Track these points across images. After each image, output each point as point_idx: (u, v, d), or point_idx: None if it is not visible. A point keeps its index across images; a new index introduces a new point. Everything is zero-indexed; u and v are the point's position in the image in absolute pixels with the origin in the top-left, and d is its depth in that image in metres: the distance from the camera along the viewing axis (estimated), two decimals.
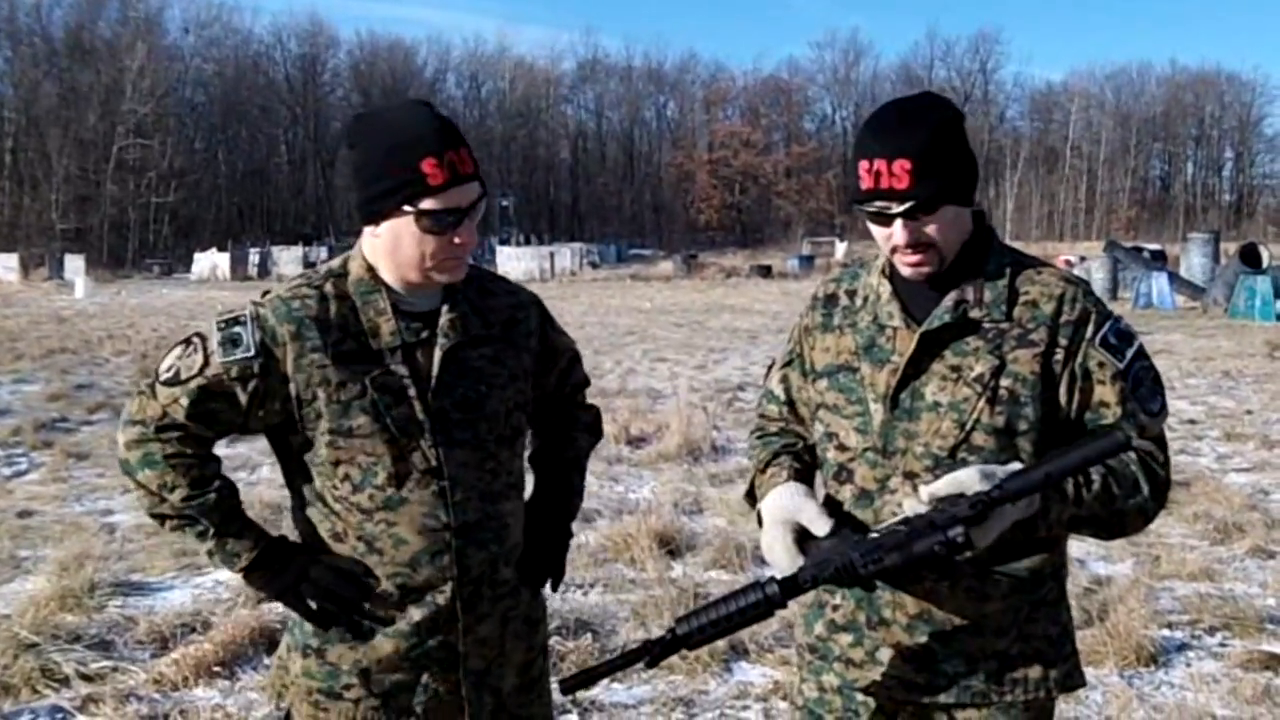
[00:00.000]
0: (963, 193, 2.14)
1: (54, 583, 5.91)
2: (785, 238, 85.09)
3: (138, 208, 75.32)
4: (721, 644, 5.16)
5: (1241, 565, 6.75)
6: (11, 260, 54.78)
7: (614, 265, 67.36)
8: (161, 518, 2.26)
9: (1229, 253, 36.66)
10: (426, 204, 2.15)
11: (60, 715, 4.56)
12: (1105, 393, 2.12)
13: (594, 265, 64.79)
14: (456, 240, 2.20)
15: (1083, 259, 43.35)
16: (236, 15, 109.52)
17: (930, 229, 2.11)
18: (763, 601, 2.04)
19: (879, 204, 2.10)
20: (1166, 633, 5.52)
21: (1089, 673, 4.98)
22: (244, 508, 2.33)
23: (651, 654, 2.07)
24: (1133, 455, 2.10)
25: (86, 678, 4.86)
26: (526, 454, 2.52)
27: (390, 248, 2.22)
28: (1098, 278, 35.65)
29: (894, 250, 2.15)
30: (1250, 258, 31.14)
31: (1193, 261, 38.22)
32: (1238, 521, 7.56)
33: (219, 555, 2.27)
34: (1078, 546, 6.96)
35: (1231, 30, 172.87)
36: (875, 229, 2.16)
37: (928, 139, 2.08)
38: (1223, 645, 5.41)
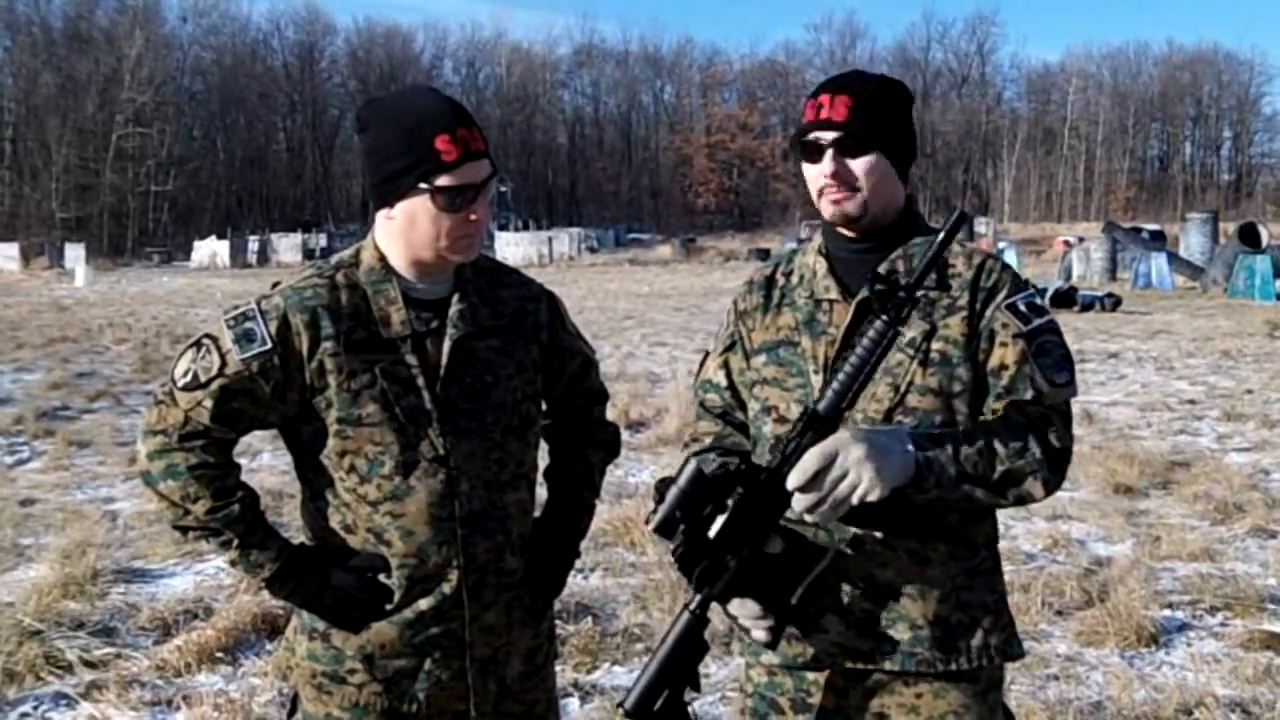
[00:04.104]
0: (897, 152, 2.20)
1: (57, 570, 5.93)
2: (783, 220, 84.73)
3: (137, 196, 75.18)
4: (721, 627, 5.16)
5: (1242, 545, 6.76)
6: (12, 249, 54.82)
7: (612, 250, 67.29)
8: (185, 529, 2.27)
9: (1228, 232, 36.67)
10: (442, 180, 2.16)
11: (64, 702, 4.58)
12: (1005, 354, 2.15)
13: (592, 250, 64.76)
14: (472, 217, 2.20)
15: (1081, 239, 43.29)
16: (234, 3, 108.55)
17: (857, 168, 2.15)
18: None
19: (814, 134, 2.16)
20: (1167, 613, 5.54)
21: (1090, 653, 5.03)
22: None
23: None
24: (1021, 418, 2.12)
25: (90, 664, 4.88)
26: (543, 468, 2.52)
27: (405, 229, 2.22)
28: (1096, 258, 35.61)
29: (821, 191, 2.19)
30: (1249, 237, 31.18)
31: (1191, 241, 38.24)
32: (1238, 501, 7.58)
33: (242, 565, 2.28)
34: (1078, 527, 6.98)
35: (1229, 9, 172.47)
36: (807, 168, 2.21)
37: (873, 87, 2.18)
38: (1223, 625, 5.42)
